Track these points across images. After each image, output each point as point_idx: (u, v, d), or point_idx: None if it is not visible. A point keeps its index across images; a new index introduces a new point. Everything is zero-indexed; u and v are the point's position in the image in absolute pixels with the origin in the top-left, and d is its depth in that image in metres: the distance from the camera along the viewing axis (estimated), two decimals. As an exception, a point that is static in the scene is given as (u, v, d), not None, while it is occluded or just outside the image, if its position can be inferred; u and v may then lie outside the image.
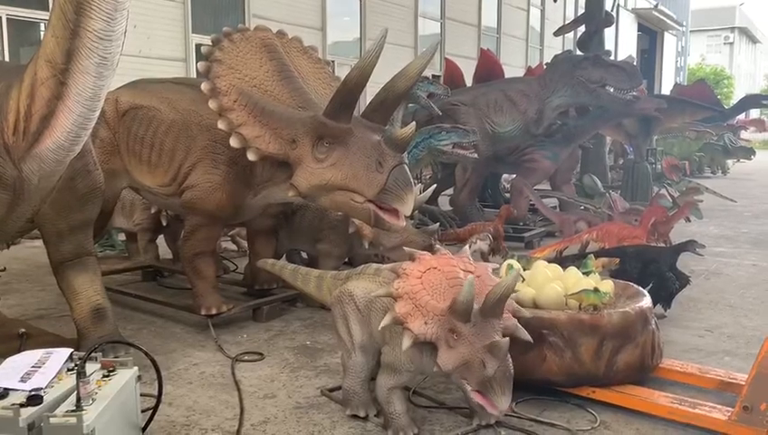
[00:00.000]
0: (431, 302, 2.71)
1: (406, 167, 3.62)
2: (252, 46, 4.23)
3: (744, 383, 2.96)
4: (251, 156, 3.91)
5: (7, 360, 2.54)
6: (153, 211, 6.07)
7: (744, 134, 20.48)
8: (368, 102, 3.87)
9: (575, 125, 9.07)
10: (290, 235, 5.32)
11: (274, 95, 4.10)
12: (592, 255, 4.59)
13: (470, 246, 4.88)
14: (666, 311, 4.69)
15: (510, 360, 2.65)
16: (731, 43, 62.34)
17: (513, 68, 18.43)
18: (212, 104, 3.98)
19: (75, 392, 2.26)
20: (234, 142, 3.92)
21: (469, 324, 2.61)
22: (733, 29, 61.74)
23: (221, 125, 3.96)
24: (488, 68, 9.51)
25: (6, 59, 8.89)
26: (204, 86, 4.02)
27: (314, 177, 3.76)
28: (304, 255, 5.84)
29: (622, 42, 29.32)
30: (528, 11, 23.74)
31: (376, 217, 3.64)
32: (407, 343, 2.68)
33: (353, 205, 3.69)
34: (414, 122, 3.75)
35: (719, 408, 3.02)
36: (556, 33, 15.58)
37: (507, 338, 2.63)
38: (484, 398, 2.60)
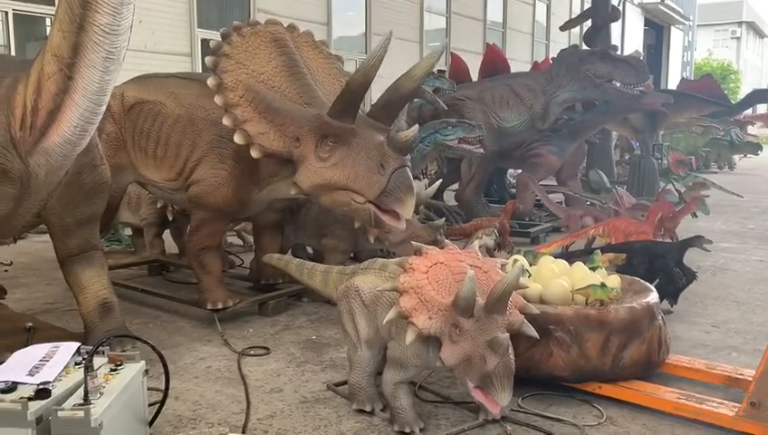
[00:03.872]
0: (436, 297, 2.71)
1: (408, 169, 3.67)
2: (261, 41, 4.21)
3: (751, 379, 2.96)
4: (254, 153, 3.91)
5: (15, 354, 2.56)
6: (159, 206, 6.08)
7: (750, 129, 20.39)
8: (374, 98, 3.89)
9: (581, 120, 9.05)
10: (295, 230, 5.33)
11: (281, 91, 4.09)
12: (599, 250, 4.57)
13: (476, 241, 4.87)
14: (672, 306, 4.68)
15: (512, 356, 2.64)
16: (738, 38, 62.00)
17: (518, 63, 18.38)
18: (218, 100, 3.98)
19: (83, 386, 2.26)
20: (237, 139, 3.92)
21: (472, 320, 2.61)
22: (740, 23, 61.39)
23: (226, 121, 3.96)
24: (494, 63, 9.49)
25: (13, 54, 8.90)
26: (210, 81, 4.02)
27: (317, 175, 3.79)
28: (310, 250, 5.85)
29: (629, 36, 29.20)
30: (534, 5, 23.64)
31: (376, 219, 3.71)
32: (410, 337, 2.68)
33: (354, 205, 3.74)
34: (417, 125, 3.81)
35: (726, 404, 3.01)
36: (562, 28, 15.47)
37: (507, 334, 2.63)
38: (485, 395, 2.60)
